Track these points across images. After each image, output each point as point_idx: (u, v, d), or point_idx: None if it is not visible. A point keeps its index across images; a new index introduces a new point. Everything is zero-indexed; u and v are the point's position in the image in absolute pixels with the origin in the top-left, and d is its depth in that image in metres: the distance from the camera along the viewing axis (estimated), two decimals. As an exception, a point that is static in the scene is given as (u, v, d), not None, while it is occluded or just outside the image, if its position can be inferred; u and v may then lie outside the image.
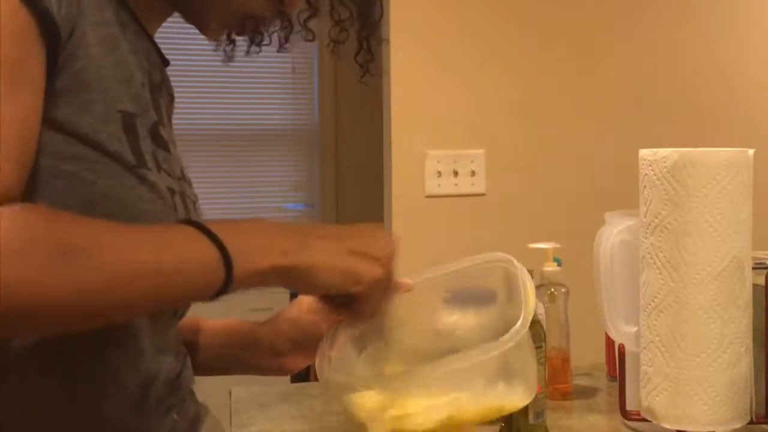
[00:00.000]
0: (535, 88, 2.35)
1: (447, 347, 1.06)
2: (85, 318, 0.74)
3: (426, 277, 1.09)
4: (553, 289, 1.35)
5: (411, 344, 1.10)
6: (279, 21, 1.05)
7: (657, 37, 2.43)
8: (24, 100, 0.75)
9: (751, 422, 1.05)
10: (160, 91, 0.96)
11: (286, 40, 1.07)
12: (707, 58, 2.47)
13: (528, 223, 2.30)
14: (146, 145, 0.87)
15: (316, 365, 0.98)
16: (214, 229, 0.79)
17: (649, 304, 1.04)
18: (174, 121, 1.02)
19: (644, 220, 1.05)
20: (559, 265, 1.36)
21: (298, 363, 1.13)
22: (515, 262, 1.02)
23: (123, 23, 0.90)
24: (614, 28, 2.40)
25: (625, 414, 1.12)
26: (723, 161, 1.00)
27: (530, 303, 0.94)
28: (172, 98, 1.02)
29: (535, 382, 1.02)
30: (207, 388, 1.12)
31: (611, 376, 1.43)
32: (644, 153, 1.04)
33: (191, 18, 0.98)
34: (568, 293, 1.36)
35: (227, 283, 0.78)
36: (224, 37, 1.07)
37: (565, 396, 1.36)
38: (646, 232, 1.04)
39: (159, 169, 0.89)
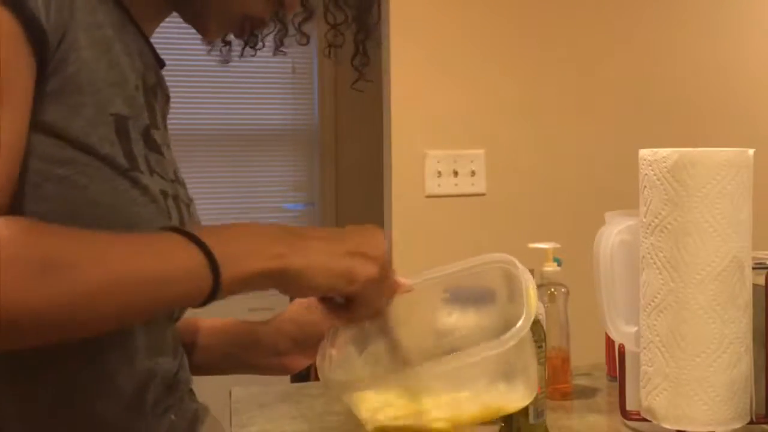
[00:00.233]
0: (535, 88, 2.35)
1: (447, 346, 1.06)
2: (70, 330, 0.74)
3: (426, 277, 1.09)
4: (553, 289, 1.35)
5: (411, 343, 1.10)
6: (274, 24, 1.04)
7: (657, 37, 2.43)
8: (9, 108, 0.74)
9: (751, 422, 1.05)
10: (155, 93, 0.96)
11: (281, 43, 1.07)
12: (707, 58, 2.47)
13: (528, 223, 2.30)
14: (138, 148, 0.87)
15: (317, 364, 0.98)
16: (200, 235, 0.78)
17: (649, 304, 1.04)
18: (174, 122, 1.02)
19: (644, 220, 1.05)
20: (559, 265, 1.36)
21: (299, 362, 1.13)
22: (516, 262, 1.02)
23: (117, 24, 0.89)
24: (614, 29, 2.40)
25: (625, 414, 1.12)
26: (723, 161, 1.00)
27: (532, 303, 0.94)
28: (167, 100, 1.02)
29: (536, 382, 1.02)
30: (207, 388, 1.12)
31: (611, 376, 1.43)
32: (644, 153, 1.04)
33: (190, 19, 0.98)
34: (568, 293, 1.36)
35: (215, 289, 0.78)
36: (219, 39, 1.07)
37: (565, 396, 1.36)
38: (646, 232, 1.04)
39: (152, 172, 0.88)
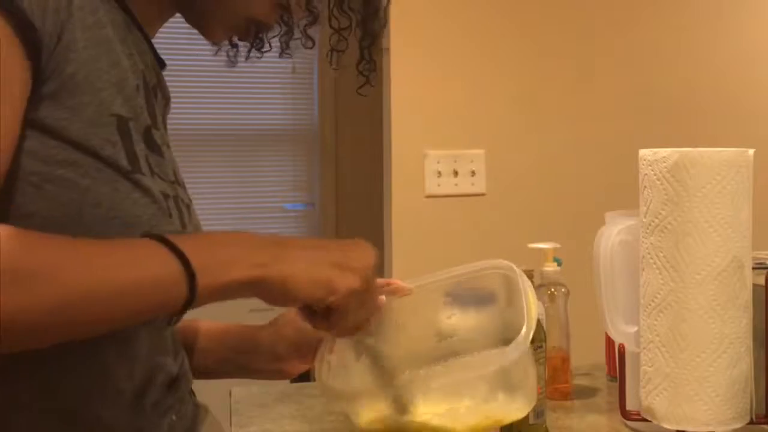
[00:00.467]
0: (535, 88, 2.34)
1: (447, 350, 1.06)
2: (45, 338, 0.74)
3: (425, 281, 1.09)
4: (553, 289, 1.35)
5: (411, 347, 1.10)
6: (280, 27, 1.04)
7: (657, 37, 2.43)
8: (1, 111, 0.74)
9: (751, 422, 1.05)
10: (155, 93, 0.96)
11: (287, 46, 1.06)
12: (707, 58, 2.47)
13: (528, 223, 2.30)
14: (140, 149, 0.87)
15: (315, 370, 0.98)
16: (180, 242, 0.78)
17: (649, 304, 1.04)
18: (174, 122, 1.02)
19: (644, 220, 1.05)
20: (559, 265, 1.36)
21: (298, 367, 1.12)
22: (515, 268, 1.02)
23: (118, 25, 0.89)
24: (614, 29, 2.40)
25: (625, 414, 1.12)
26: (723, 161, 1.00)
27: (533, 314, 0.94)
28: (167, 101, 1.01)
29: (535, 393, 1.02)
30: (207, 388, 1.12)
31: (611, 376, 1.43)
32: (644, 153, 1.04)
33: (194, 21, 0.98)
34: (568, 293, 1.36)
35: (191, 297, 0.78)
36: (226, 42, 1.07)
37: (565, 396, 1.36)
38: (646, 232, 1.04)
39: (152, 173, 0.88)
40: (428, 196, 2.26)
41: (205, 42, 1.02)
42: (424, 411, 0.96)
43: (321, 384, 0.99)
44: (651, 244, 1.03)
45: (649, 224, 1.03)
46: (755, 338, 1.05)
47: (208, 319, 1.15)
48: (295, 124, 3.88)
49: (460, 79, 2.29)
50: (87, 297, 0.73)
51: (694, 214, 1.00)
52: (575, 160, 2.38)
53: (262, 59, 1.08)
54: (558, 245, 1.36)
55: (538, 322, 1.16)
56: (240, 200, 3.79)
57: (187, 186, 1.00)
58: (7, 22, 0.74)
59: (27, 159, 0.78)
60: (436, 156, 2.26)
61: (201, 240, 0.83)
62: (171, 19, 1.01)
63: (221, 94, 3.71)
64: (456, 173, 2.27)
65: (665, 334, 1.02)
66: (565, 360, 1.37)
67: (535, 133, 2.35)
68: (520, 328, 0.93)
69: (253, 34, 1.02)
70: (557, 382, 1.35)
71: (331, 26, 1.01)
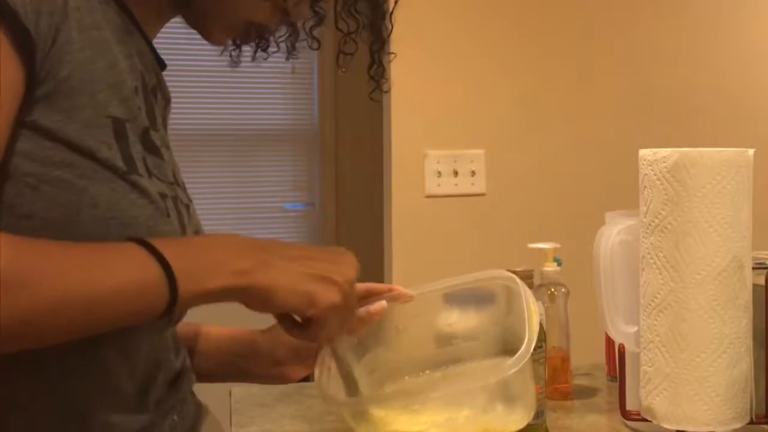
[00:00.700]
0: (535, 88, 2.35)
1: (447, 356, 1.06)
2: (26, 343, 0.74)
3: (426, 290, 1.09)
4: (553, 289, 1.35)
5: (411, 352, 1.10)
6: (285, 28, 1.03)
7: (657, 37, 2.43)
8: None
9: (751, 422, 1.05)
10: (155, 94, 0.95)
11: (293, 47, 1.06)
12: (707, 58, 2.47)
13: (528, 223, 2.30)
14: (137, 151, 0.86)
15: (315, 376, 0.98)
16: (162, 247, 0.78)
17: (649, 304, 1.04)
18: (174, 122, 1.02)
19: (644, 220, 1.05)
20: (559, 265, 1.36)
21: (298, 372, 1.12)
22: (517, 280, 1.02)
23: (117, 26, 0.88)
24: (614, 29, 2.40)
25: (625, 414, 1.12)
26: (723, 161, 1.00)
27: (534, 327, 0.94)
28: (167, 102, 1.01)
29: (534, 404, 1.02)
30: (207, 388, 1.12)
31: (611, 376, 1.43)
32: (644, 153, 1.04)
33: (195, 23, 0.98)
34: (568, 293, 1.36)
35: (172, 303, 0.78)
36: (230, 43, 1.06)
37: (565, 396, 1.36)
38: (646, 232, 1.04)
39: (150, 174, 0.88)
40: (428, 196, 2.26)
41: (204, 42, 1.02)
42: (423, 420, 0.96)
43: (322, 393, 0.99)
44: (651, 244, 1.03)
45: (649, 224, 1.03)
46: (755, 338, 1.05)
47: (211, 323, 1.16)
48: (295, 124, 3.88)
49: (460, 79, 2.29)
50: (63, 303, 0.73)
51: (694, 214, 1.00)
52: (575, 160, 2.38)
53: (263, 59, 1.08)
54: (558, 245, 1.35)
55: (539, 322, 1.16)
56: (240, 200, 3.79)
57: (187, 186, 1.00)
58: (2, 28, 0.74)
59: (23, 160, 0.78)
60: (436, 156, 2.26)
61: (184, 245, 0.83)
62: (172, 20, 1.00)
63: (221, 94, 3.71)
64: (456, 173, 2.27)
65: (665, 334, 1.02)
66: (565, 360, 1.37)
67: (535, 133, 2.35)
68: (520, 333, 0.93)
69: (254, 37, 1.01)
70: (557, 382, 1.35)
71: (337, 28, 1.00)
